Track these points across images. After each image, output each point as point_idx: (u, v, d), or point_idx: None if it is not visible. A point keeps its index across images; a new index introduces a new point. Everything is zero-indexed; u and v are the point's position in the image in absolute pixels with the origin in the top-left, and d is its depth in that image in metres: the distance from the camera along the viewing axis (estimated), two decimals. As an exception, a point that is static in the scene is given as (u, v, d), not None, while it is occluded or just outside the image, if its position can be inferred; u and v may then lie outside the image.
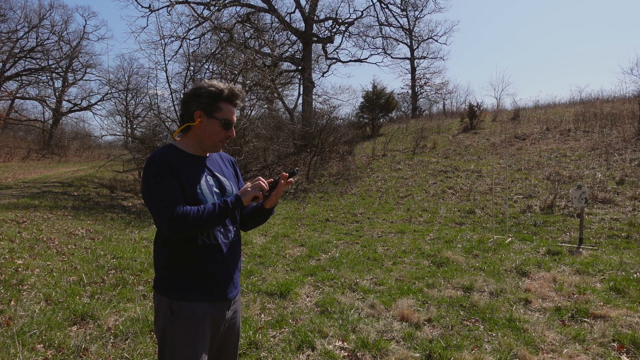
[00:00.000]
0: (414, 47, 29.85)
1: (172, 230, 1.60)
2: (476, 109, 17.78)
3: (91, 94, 34.58)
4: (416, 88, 29.92)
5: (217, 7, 18.79)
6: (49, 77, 32.20)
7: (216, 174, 1.85)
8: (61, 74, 33.00)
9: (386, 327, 3.67)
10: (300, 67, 21.55)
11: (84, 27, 45.03)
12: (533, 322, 3.75)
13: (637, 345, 3.25)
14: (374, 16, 27.58)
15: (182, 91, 14.32)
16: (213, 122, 1.75)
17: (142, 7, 19.24)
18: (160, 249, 1.75)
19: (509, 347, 3.24)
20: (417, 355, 3.18)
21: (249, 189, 1.75)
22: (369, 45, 28.34)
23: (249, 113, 16.46)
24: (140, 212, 10.74)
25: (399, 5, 26.16)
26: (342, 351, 3.25)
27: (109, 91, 32.50)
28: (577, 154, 11.85)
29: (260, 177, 1.82)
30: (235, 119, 1.81)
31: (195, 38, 19.49)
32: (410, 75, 30.13)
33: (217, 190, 1.81)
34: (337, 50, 26.12)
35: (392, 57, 28.89)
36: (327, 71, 26.14)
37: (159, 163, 1.67)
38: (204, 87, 1.74)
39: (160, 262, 1.75)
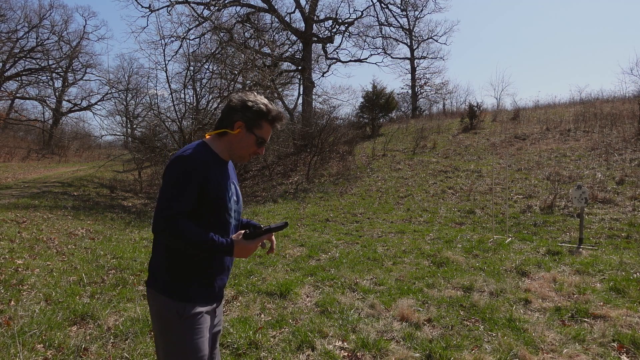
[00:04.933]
0: (414, 47, 29.85)
1: (162, 231, 1.61)
2: (476, 109, 17.77)
3: (91, 94, 34.66)
4: (416, 88, 29.92)
5: (217, 7, 18.79)
6: (49, 77, 32.23)
7: (233, 181, 1.91)
8: (61, 74, 33.03)
9: (386, 327, 3.67)
10: (300, 67, 21.55)
11: (84, 27, 45.02)
12: (533, 322, 3.75)
13: (637, 345, 3.25)
14: (374, 16, 27.57)
15: (182, 91, 14.32)
16: (250, 136, 1.80)
17: (142, 7, 19.27)
18: (168, 251, 1.74)
19: (509, 347, 3.24)
20: (417, 355, 3.18)
21: (249, 246, 1.73)
22: (369, 45, 28.29)
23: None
24: (140, 212, 10.74)
25: (399, 5, 26.17)
26: (342, 351, 3.25)
27: (109, 91, 32.53)
28: (577, 154, 11.85)
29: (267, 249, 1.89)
30: (269, 139, 1.88)
31: (195, 38, 19.47)
32: (410, 75, 30.15)
33: (235, 198, 1.87)
34: (337, 50, 26.14)
35: (392, 57, 28.90)
36: (327, 71, 26.17)
37: (194, 164, 1.67)
38: (255, 103, 1.79)
39: (167, 264, 1.74)
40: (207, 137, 1.85)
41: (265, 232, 1.75)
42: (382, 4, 25.01)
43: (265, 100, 1.83)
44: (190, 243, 1.62)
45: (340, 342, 3.38)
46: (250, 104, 1.79)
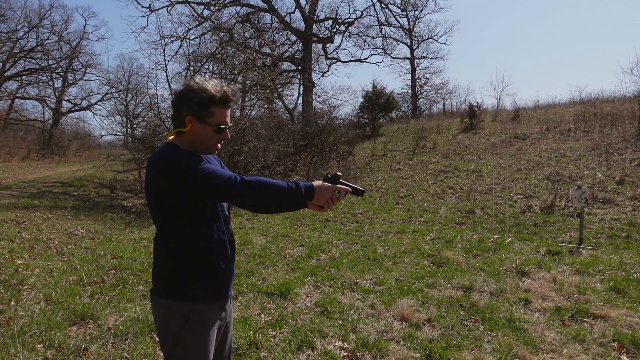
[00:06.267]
0: (414, 47, 29.82)
1: (240, 192, 1.55)
2: (476, 109, 17.77)
3: (91, 94, 34.55)
4: (416, 88, 29.89)
5: (217, 7, 18.80)
6: (49, 77, 32.17)
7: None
8: (61, 74, 32.98)
9: (386, 327, 3.67)
10: (300, 67, 21.55)
11: (84, 27, 44.83)
12: (533, 322, 3.75)
13: (637, 345, 3.24)
14: (374, 16, 27.55)
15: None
16: (205, 127, 1.67)
17: (142, 7, 19.30)
18: (168, 251, 1.67)
19: (509, 347, 3.24)
20: (417, 355, 3.18)
21: (328, 189, 1.66)
22: (369, 45, 28.25)
23: (249, 113, 16.45)
24: (140, 212, 10.74)
25: (399, 5, 26.19)
26: (342, 351, 3.25)
27: (109, 91, 32.49)
28: (577, 154, 11.85)
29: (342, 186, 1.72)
30: (229, 120, 1.72)
31: (195, 38, 19.51)
32: (410, 75, 30.11)
33: None
34: (337, 50, 26.12)
35: (392, 57, 28.89)
36: (327, 71, 26.14)
37: (184, 154, 1.64)
38: (195, 92, 1.63)
39: (168, 264, 1.67)
40: (170, 138, 1.74)
41: (343, 183, 1.72)
42: (382, 4, 25.04)
43: (207, 84, 1.64)
44: (271, 189, 1.56)
45: (340, 342, 3.38)
46: (191, 94, 1.63)
